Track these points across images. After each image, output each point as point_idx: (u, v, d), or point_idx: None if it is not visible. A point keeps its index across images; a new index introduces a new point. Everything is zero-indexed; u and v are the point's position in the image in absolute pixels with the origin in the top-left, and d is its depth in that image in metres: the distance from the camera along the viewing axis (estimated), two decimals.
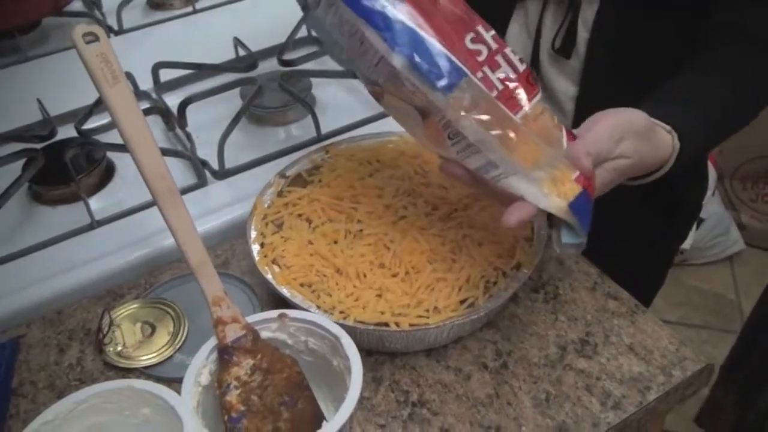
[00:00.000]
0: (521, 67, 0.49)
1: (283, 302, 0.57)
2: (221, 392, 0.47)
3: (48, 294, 0.64)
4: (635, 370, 0.56)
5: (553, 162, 0.49)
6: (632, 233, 0.83)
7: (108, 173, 0.79)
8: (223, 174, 0.76)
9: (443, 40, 0.47)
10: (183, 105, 0.81)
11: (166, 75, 0.90)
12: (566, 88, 0.80)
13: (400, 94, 0.50)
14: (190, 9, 1.10)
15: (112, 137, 0.79)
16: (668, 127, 0.57)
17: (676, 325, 1.78)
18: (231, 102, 0.84)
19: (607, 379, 0.55)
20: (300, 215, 0.63)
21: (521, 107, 0.49)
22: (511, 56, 0.49)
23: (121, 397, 0.46)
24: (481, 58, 0.48)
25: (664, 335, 0.59)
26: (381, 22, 0.47)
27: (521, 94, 0.49)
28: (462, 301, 0.55)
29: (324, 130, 0.80)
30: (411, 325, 0.53)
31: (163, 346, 0.58)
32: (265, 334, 0.50)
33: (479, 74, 0.47)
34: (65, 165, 0.72)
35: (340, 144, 0.72)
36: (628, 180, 0.57)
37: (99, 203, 0.74)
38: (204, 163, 0.77)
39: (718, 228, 1.92)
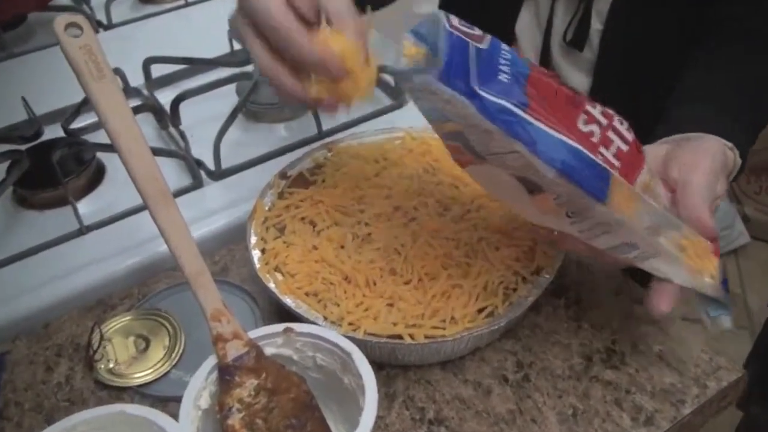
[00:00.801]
0: (630, 137, 0.44)
1: (286, 313, 0.53)
2: (222, 416, 0.43)
3: (34, 306, 0.59)
4: (667, 381, 0.52)
5: (676, 226, 0.46)
6: None
7: (98, 175, 0.74)
8: (219, 174, 0.71)
9: (579, 140, 0.42)
10: (176, 102, 0.77)
11: (157, 71, 0.86)
12: (579, 80, 0.77)
13: (515, 172, 0.45)
14: (182, 2, 1.05)
15: (102, 137, 0.74)
16: (730, 144, 0.54)
17: (681, 320, 1.75)
18: (226, 98, 0.80)
19: (638, 392, 0.52)
20: (303, 218, 0.59)
21: (636, 179, 0.45)
22: (619, 127, 0.44)
23: (114, 423, 0.42)
24: (595, 140, 0.42)
25: (697, 343, 0.55)
26: (522, 132, 0.40)
27: (636, 166, 0.45)
28: (480, 310, 0.51)
29: (325, 126, 0.75)
30: (426, 337, 0.49)
31: (158, 362, 0.54)
32: (269, 350, 0.46)
33: (599, 158, 0.42)
34: (52, 167, 0.68)
35: (343, 141, 0.67)
36: None
37: (88, 207, 0.70)
38: (199, 163, 0.72)
39: (722, 221, 1.88)
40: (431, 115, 0.47)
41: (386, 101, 0.81)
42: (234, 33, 0.50)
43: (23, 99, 0.81)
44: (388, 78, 0.81)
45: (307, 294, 0.53)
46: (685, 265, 0.46)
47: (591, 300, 0.59)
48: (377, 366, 0.53)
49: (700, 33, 0.66)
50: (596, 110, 0.43)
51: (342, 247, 0.56)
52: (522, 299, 0.52)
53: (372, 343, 0.49)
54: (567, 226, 0.46)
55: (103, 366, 0.54)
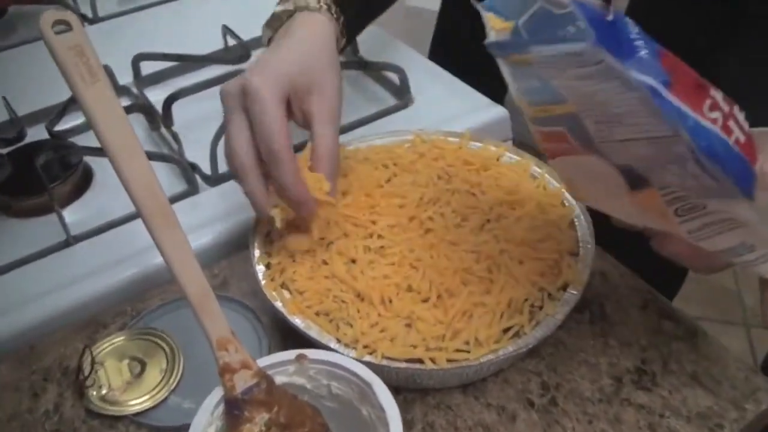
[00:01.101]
0: (746, 127, 0.40)
1: (293, 331, 0.49)
2: None
3: (18, 325, 0.55)
4: (702, 404, 0.49)
5: None
6: None
7: (85, 180, 0.70)
8: (216, 179, 0.67)
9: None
10: (168, 101, 0.72)
11: (147, 68, 0.81)
12: None
13: (629, 162, 0.40)
14: None
15: (90, 139, 0.70)
16: None
17: (711, 336, 1.74)
18: None
19: (672, 416, 0.48)
20: None
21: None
22: (738, 116, 0.40)
23: None
24: (719, 127, 0.38)
25: (731, 361, 0.51)
26: (671, 114, 0.35)
27: (752, 159, 0.40)
28: (505, 330, 0.48)
29: None
30: (449, 361, 0.46)
31: (155, 387, 0.50)
32: (280, 379, 0.42)
33: None
34: (36, 172, 0.63)
35: (349, 144, 0.63)
36: None
37: (75, 215, 0.66)
38: (194, 167, 0.68)
39: None
40: (536, 97, 0.41)
41: (391, 101, 0.77)
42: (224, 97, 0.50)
43: (4, 99, 0.76)
44: (392, 77, 0.77)
45: (317, 314, 0.49)
46: None
47: (616, 315, 0.55)
48: (393, 390, 0.49)
49: (724, 34, 0.63)
50: (719, 95, 0.38)
51: (353, 261, 0.52)
52: (549, 318, 0.48)
53: (390, 368, 0.45)
54: (673, 226, 0.42)
55: (95, 392, 0.50)
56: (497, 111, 0.74)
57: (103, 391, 0.50)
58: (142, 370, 0.51)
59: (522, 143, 0.80)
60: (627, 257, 0.60)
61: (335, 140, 0.53)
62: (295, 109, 0.53)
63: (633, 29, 0.35)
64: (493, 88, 0.80)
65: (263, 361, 0.42)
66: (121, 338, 0.54)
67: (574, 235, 0.54)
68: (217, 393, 0.40)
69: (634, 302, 0.56)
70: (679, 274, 1.00)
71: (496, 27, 0.38)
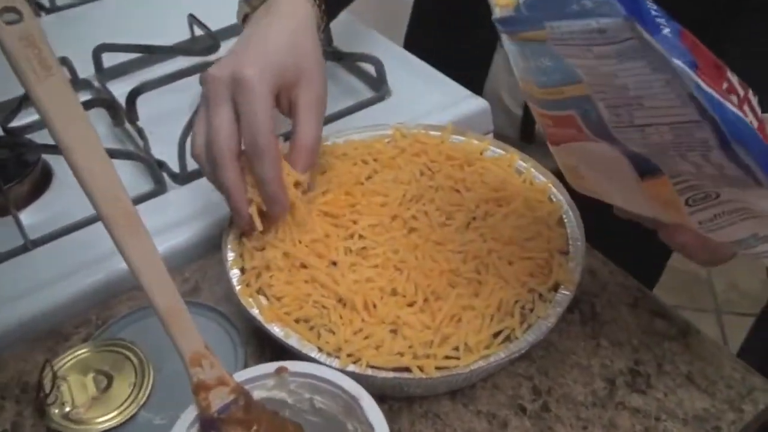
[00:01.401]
0: (759, 112, 0.38)
1: (272, 339, 0.46)
2: None
3: None
4: (699, 405, 0.47)
5: None
6: None
7: (44, 180, 0.65)
8: (185, 177, 0.63)
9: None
10: (132, 95, 0.68)
11: (110, 60, 0.77)
12: None
13: (640, 149, 0.38)
14: None
15: (49, 136, 0.66)
16: None
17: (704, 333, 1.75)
18: (190, 90, 0.72)
19: (669, 419, 0.47)
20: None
21: None
22: (753, 100, 0.37)
23: None
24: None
25: (726, 360, 0.50)
26: (701, 97, 0.33)
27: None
28: (496, 334, 0.45)
29: None
30: (438, 368, 0.43)
31: (123, 403, 0.47)
32: (259, 394, 0.39)
33: None
34: None
35: (326, 140, 0.60)
36: None
37: (34, 218, 0.61)
38: (161, 165, 0.64)
39: None
40: (545, 78, 0.38)
41: (367, 93, 0.74)
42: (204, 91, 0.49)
43: None
44: (368, 68, 0.74)
45: (297, 321, 0.46)
46: None
47: (607, 314, 0.53)
48: (378, 398, 0.47)
49: (725, 26, 0.61)
50: (735, 78, 0.36)
51: (334, 263, 0.49)
52: (541, 320, 0.46)
53: (376, 378, 0.43)
54: (683, 216, 0.40)
55: (57, 410, 0.46)
56: (478, 103, 0.71)
57: (67, 409, 0.46)
58: (109, 385, 0.48)
59: (502, 135, 0.78)
60: (607, 248, 0.58)
61: (318, 132, 0.52)
62: (282, 98, 0.52)
63: (652, 6, 0.33)
64: (471, 79, 0.78)
65: (241, 376, 0.39)
66: (85, 350, 0.50)
67: (564, 233, 0.52)
68: (191, 412, 0.37)
69: (624, 300, 0.54)
70: (658, 265, 1.00)
71: (500, 3, 0.36)
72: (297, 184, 0.51)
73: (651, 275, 0.97)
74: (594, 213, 0.54)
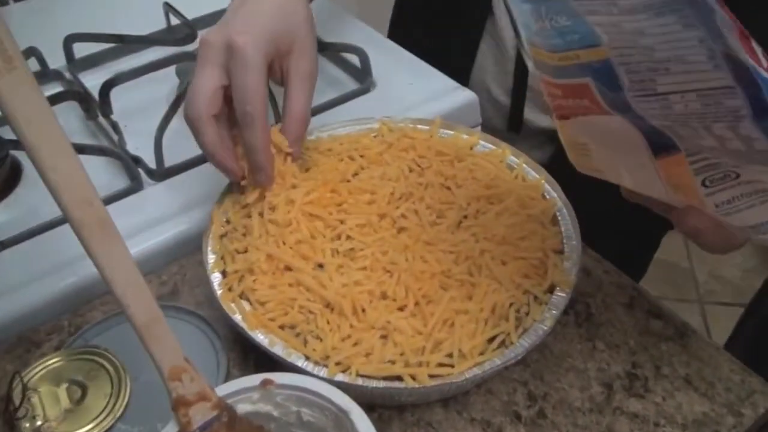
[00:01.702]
0: None
1: (255, 346, 0.44)
2: None
3: None
4: (698, 410, 0.46)
5: None
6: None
7: (13, 176, 0.62)
8: (162, 174, 0.61)
9: None
10: (106, 87, 0.65)
11: (82, 50, 0.73)
12: None
13: (661, 122, 0.35)
14: None
15: None
16: None
17: (701, 335, 1.75)
18: (166, 82, 0.69)
19: (668, 425, 0.45)
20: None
21: None
22: None
23: None
24: None
25: (724, 362, 0.49)
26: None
27: None
28: (490, 339, 0.44)
29: None
30: (432, 376, 0.41)
31: (98, 415, 0.44)
32: (243, 408, 0.37)
33: None
34: None
35: (310, 134, 0.58)
36: None
37: (2, 216, 0.58)
38: (137, 161, 0.61)
39: None
40: (560, 40, 0.36)
41: (351, 85, 0.71)
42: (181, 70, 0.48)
43: None
44: (352, 59, 0.72)
45: (282, 327, 0.44)
46: None
47: (603, 315, 0.52)
48: (367, 407, 0.45)
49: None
50: (759, 48, 0.34)
51: (320, 266, 0.47)
52: (537, 324, 0.44)
53: (366, 388, 0.41)
54: (697, 198, 0.38)
55: (28, 424, 0.44)
56: (465, 95, 0.69)
57: (38, 423, 0.44)
58: (83, 396, 0.45)
59: (489, 126, 0.76)
60: (594, 243, 0.57)
61: (309, 103, 0.52)
62: (275, 66, 0.52)
63: None
64: (456, 70, 0.76)
65: (223, 390, 0.37)
66: (58, 359, 0.47)
67: (558, 231, 0.50)
68: (171, 429, 0.35)
69: (619, 300, 0.53)
70: (645, 260, 0.99)
71: None
72: (287, 156, 0.51)
73: (637, 270, 0.96)
74: (583, 207, 0.52)
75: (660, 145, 0.36)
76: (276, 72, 0.52)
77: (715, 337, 1.73)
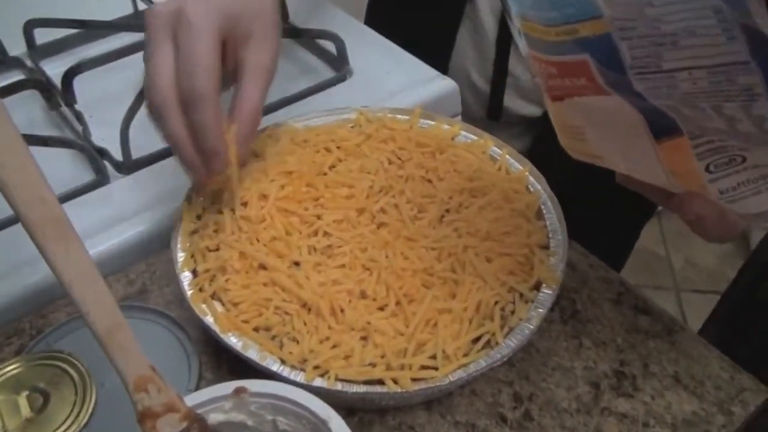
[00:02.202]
0: None
1: (228, 350, 0.41)
2: None
3: None
4: (687, 409, 0.45)
5: None
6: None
7: None
8: (129, 167, 0.58)
9: None
10: (69, 75, 0.62)
11: (43, 36, 0.70)
12: None
13: (663, 102, 0.33)
14: None
15: None
16: None
17: (690, 331, 1.76)
18: (132, 70, 0.66)
19: (657, 425, 0.44)
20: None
21: None
22: None
23: None
24: None
25: (713, 359, 0.47)
26: None
27: None
28: (475, 340, 0.42)
29: None
30: (414, 380, 0.39)
31: (62, 424, 0.42)
32: (215, 417, 0.35)
33: None
34: None
35: (285, 124, 0.55)
36: None
37: None
38: (102, 153, 0.58)
39: None
40: (558, 13, 0.32)
41: (327, 73, 0.69)
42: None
43: None
44: (328, 45, 0.69)
45: (256, 329, 0.42)
46: None
47: (589, 311, 0.50)
48: (346, 411, 0.43)
49: None
50: None
51: (296, 264, 0.45)
52: (523, 323, 0.43)
53: (346, 394, 0.39)
54: (699, 183, 0.36)
55: None
56: (446, 84, 0.67)
57: None
58: (46, 404, 0.43)
59: (467, 113, 0.74)
60: (575, 232, 0.55)
61: (261, 100, 0.47)
62: (228, 54, 0.46)
63: None
64: (435, 56, 0.73)
65: (193, 399, 0.34)
66: (18, 365, 0.44)
67: (543, 225, 0.48)
68: None
69: (606, 296, 0.51)
70: (626, 249, 0.98)
71: None
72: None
73: (617, 261, 0.95)
74: (562, 198, 0.50)
75: (661, 127, 0.34)
76: (229, 60, 0.46)
77: (692, 324, 1.75)
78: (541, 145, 0.78)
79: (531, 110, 0.76)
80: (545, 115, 0.75)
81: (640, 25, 0.30)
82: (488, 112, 0.78)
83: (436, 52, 0.74)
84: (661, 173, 0.37)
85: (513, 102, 0.76)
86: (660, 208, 2.00)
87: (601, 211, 0.76)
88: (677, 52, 0.29)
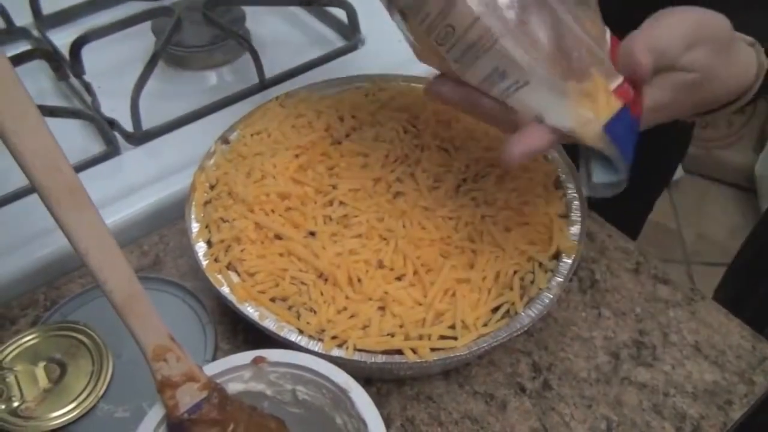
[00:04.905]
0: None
1: (244, 320, 0.41)
2: None
3: None
4: (708, 378, 0.44)
5: (586, 66, 0.36)
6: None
7: None
8: (140, 137, 0.57)
9: None
10: (77, 45, 0.61)
11: (50, 5, 0.69)
12: None
13: None
14: None
15: None
16: (750, 39, 0.41)
17: (712, 301, 1.75)
18: (141, 39, 0.65)
19: (677, 394, 0.43)
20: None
21: None
22: None
23: None
24: None
25: (734, 328, 0.47)
26: None
27: None
28: (494, 309, 0.41)
29: (268, 73, 0.62)
30: (434, 350, 0.39)
31: (79, 394, 0.42)
32: (234, 387, 0.35)
33: None
34: None
35: (298, 93, 0.54)
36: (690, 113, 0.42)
37: None
38: (113, 124, 0.58)
39: None
40: None
41: (338, 42, 0.68)
42: None
43: None
44: (339, 14, 0.68)
45: (273, 300, 0.41)
46: (568, 99, 0.35)
47: (608, 281, 0.50)
48: (364, 381, 0.43)
49: None
50: None
51: (312, 234, 0.44)
52: (543, 292, 0.42)
53: (365, 363, 0.38)
54: (448, 61, 0.37)
55: (4, 406, 0.41)
56: None
57: (15, 404, 0.41)
58: (63, 375, 0.43)
59: None
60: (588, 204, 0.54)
61: None
62: None
63: None
64: None
65: (212, 368, 0.34)
66: (34, 336, 0.44)
67: (562, 194, 0.48)
68: (157, 413, 0.33)
69: (624, 266, 0.51)
70: (640, 221, 0.98)
71: None
72: None
73: (631, 233, 0.95)
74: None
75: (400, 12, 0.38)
76: None
77: None
78: None
79: None
80: None
81: None
82: None
83: None
84: (433, 56, 0.39)
85: None
86: (674, 179, 1.97)
87: None
88: None
